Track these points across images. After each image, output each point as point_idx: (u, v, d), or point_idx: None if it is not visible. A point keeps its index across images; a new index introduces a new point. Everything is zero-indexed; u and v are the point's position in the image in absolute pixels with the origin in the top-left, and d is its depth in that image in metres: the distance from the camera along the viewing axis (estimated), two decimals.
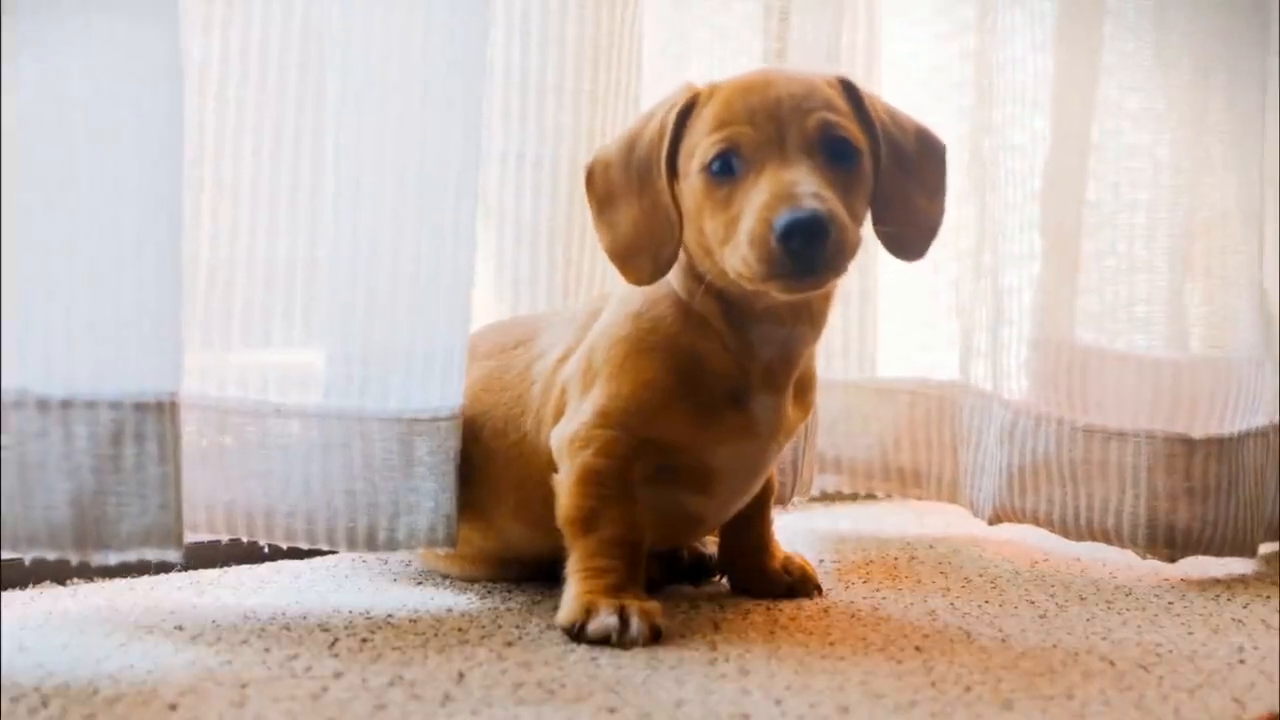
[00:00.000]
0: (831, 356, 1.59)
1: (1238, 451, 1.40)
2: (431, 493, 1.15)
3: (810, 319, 1.12)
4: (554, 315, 1.25)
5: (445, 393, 1.15)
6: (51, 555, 0.98)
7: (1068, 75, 1.44)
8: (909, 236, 1.12)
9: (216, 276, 1.15)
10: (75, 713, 0.85)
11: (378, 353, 1.15)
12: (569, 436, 1.11)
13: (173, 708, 0.86)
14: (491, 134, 1.35)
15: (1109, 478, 1.39)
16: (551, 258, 1.38)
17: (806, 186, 1.00)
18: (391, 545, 1.15)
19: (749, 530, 1.23)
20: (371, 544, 1.15)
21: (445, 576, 1.28)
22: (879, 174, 1.09)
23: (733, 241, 1.02)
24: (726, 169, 1.04)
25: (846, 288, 1.59)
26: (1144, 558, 1.40)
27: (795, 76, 1.08)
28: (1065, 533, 1.42)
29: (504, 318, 1.34)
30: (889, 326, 1.65)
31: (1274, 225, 1.53)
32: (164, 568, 1.24)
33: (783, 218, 0.98)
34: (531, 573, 1.23)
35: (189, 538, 1.20)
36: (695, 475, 1.13)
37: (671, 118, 1.09)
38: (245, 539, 1.16)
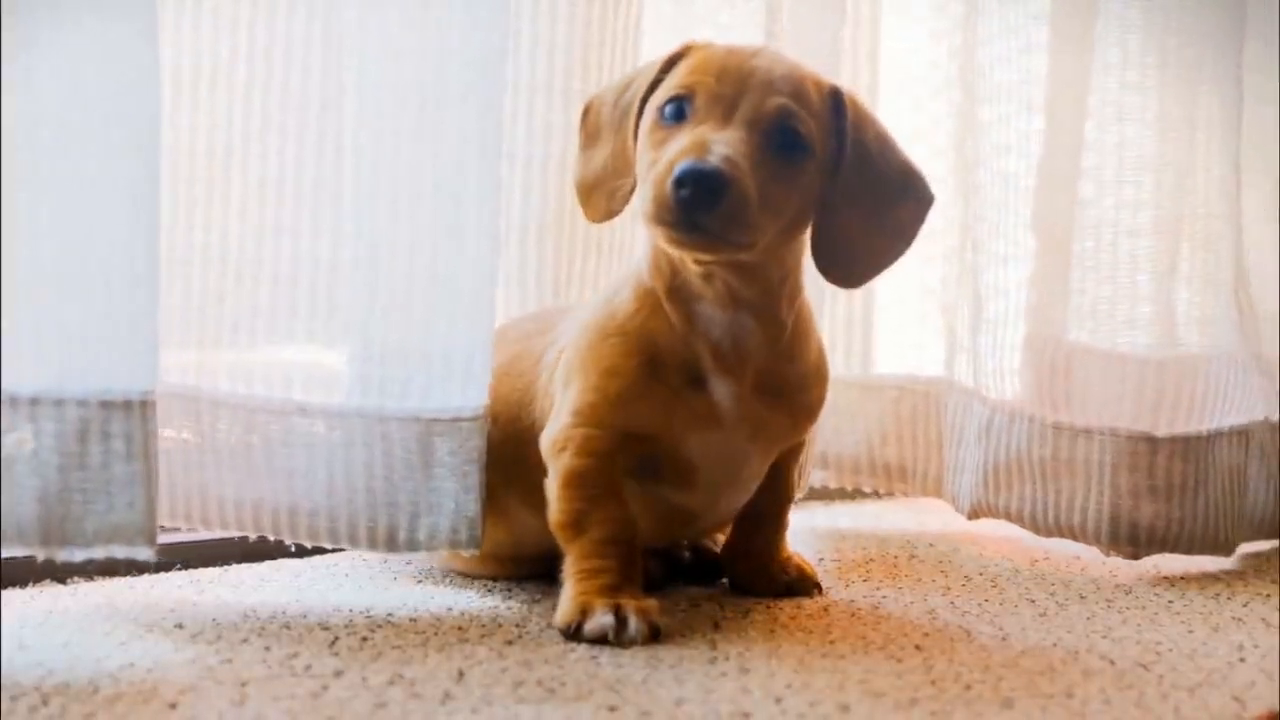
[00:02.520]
0: (832, 352, 1.58)
1: (1207, 450, 1.40)
2: (452, 493, 1.15)
3: (751, 309, 1.10)
4: (576, 306, 1.25)
5: (467, 393, 1.15)
6: (18, 552, 0.98)
7: (1060, 74, 1.44)
8: (847, 261, 1.11)
9: (243, 276, 1.16)
10: (75, 711, 0.85)
11: (398, 353, 1.15)
12: (551, 440, 1.12)
13: (173, 706, 0.87)
14: None
15: (1076, 475, 1.40)
16: (541, 255, 1.38)
17: (721, 148, 1.00)
18: (412, 546, 1.15)
19: (757, 532, 1.23)
20: (392, 544, 1.15)
21: (448, 573, 1.28)
22: (835, 188, 1.08)
23: (646, 181, 1.03)
24: (677, 115, 1.05)
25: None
26: (1107, 555, 1.41)
27: (784, 61, 1.08)
28: (1035, 529, 1.43)
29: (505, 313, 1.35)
30: (884, 323, 1.65)
31: (1255, 221, 1.54)
32: (164, 566, 1.24)
33: (682, 165, 0.99)
34: (540, 569, 1.23)
35: (213, 534, 1.23)
36: (676, 468, 1.12)
37: (659, 64, 1.10)
38: (271, 537, 1.16)
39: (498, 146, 1.17)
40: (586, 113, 1.16)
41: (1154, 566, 1.41)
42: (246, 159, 1.16)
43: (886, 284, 1.63)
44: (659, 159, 1.03)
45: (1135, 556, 1.39)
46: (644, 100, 1.10)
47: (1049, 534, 1.42)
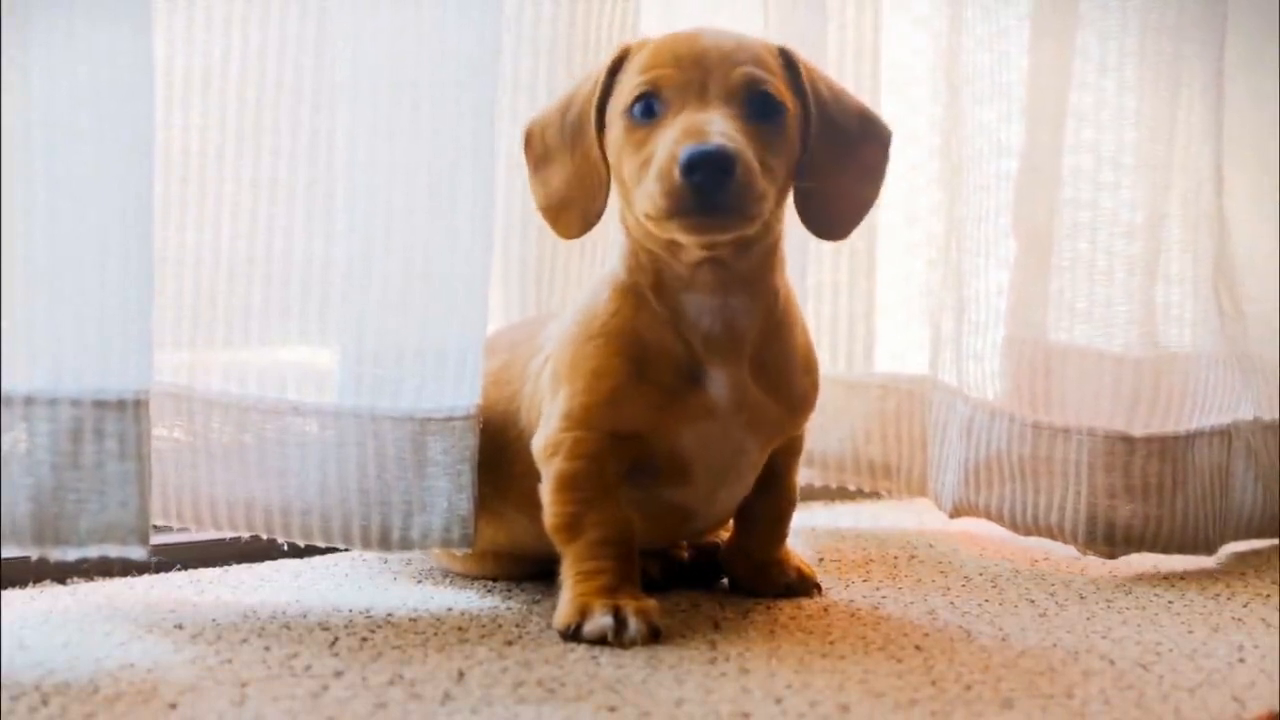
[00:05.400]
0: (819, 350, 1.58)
1: (1185, 450, 1.41)
2: (445, 492, 1.15)
3: (746, 288, 1.11)
4: (559, 313, 1.25)
5: (459, 392, 1.16)
6: (12, 552, 0.98)
7: (1041, 76, 1.45)
8: (829, 213, 1.12)
9: (236, 275, 1.16)
10: (75, 711, 0.85)
11: (391, 352, 1.15)
12: (542, 444, 1.12)
13: (173, 706, 0.87)
14: None
15: (1054, 474, 1.41)
16: (524, 256, 1.38)
17: (717, 126, 1.01)
18: (405, 545, 1.16)
19: (758, 533, 1.23)
20: (385, 543, 1.16)
21: (448, 573, 1.28)
22: (808, 143, 1.10)
23: (644, 181, 1.03)
24: (647, 112, 1.05)
25: (834, 281, 1.59)
26: (1083, 554, 1.41)
27: (728, 33, 1.09)
28: (1014, 528, 1.44)
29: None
30: (875, 323, 1.65)
31: (1245, 220, 1.55)
32: (163, 566, 1.24)
33: (687, 150, 0.99)
34: (539, 569, 1.23)
35: (212, 535, 1.23)
36: (671, 465, 1.12)
37: (603, 72, 1.10)
38: (264, 535, 1.16)
39: (491, 145, 1.17)
40: (529, 139, 1.15)
41: (1153, 566, 1.41)
42: (239, 158, 1.16)
43: (882, 284, 1.63)
44: (651, 156, 1.03)
45: (1112, 556, 1.40)
46: (599, 110, 1.10)
47: (1027, 533, 1.43)
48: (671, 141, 1.01)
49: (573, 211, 1.12)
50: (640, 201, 1.04)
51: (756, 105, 1.05)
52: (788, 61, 1.11)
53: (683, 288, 1.10)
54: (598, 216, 1.11)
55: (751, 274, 1.11)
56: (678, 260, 1.09)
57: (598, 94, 1.10)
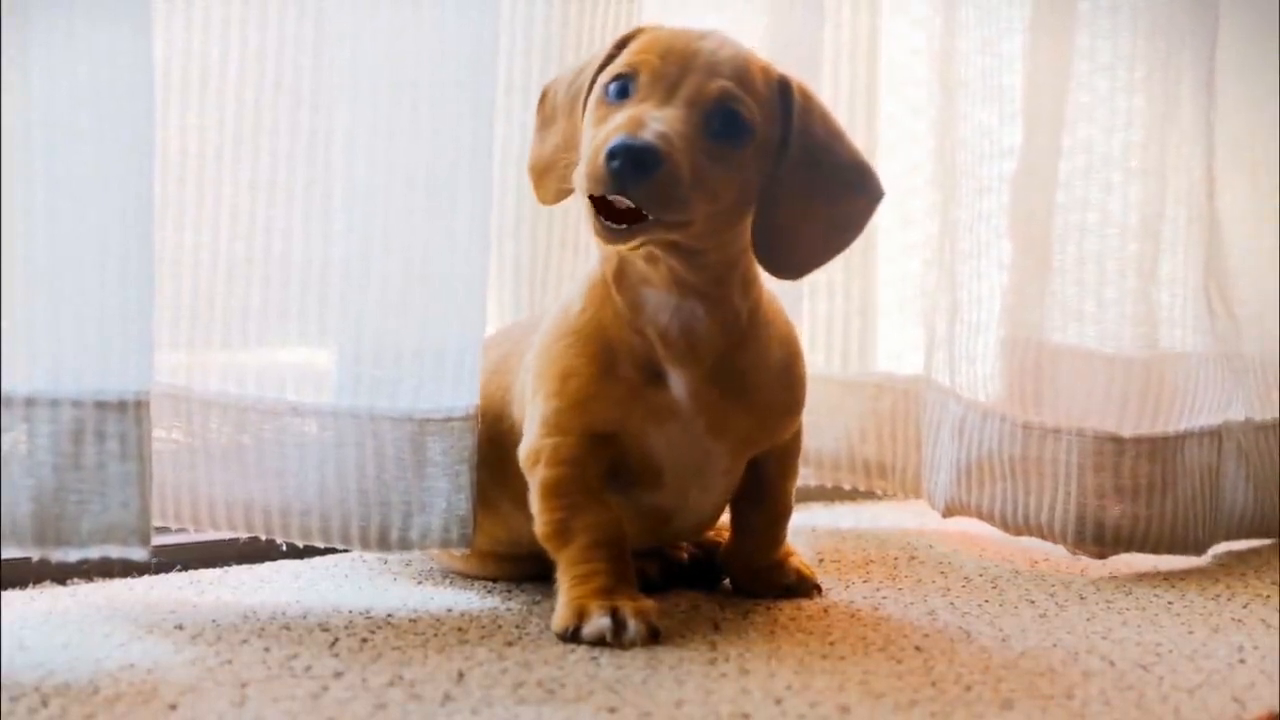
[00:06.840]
0: (813, 350, 1.58)
1: (1175, 451, 1.41)
2: (444, 493, 1.15)
3: (699, 295, 1.09)
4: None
5: (458, 393, 1.16)
6: (13, 553, 0.98)
7: (1037, 79, 1.45)
8: (786, 252, 1.10)
9: (234, 276, 1.16)
10: (75, 712, 0.85)
11: (390, 352, 1.15)
12: (526, 453, 1.12)
13: (173, 707, 0.87)
14: None
15: (1044, 474, 1.41)
16: (517, 254, 1.38)
17: (657, 124, 1.00)
18: (404, 545, 1.16)
19: (756, 536, 1.22)
20: (384, 544, 1.16)
21: (449, 574, 1.28)
22: (778, 176, 1.07)
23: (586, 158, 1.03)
24: (621, 92, 1.05)
25: (830, 280, 1.59)
26: (1074, 554, 1.42)
27: (730, 45, 1.08)
28: (1005, 527, 1.44)
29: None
30: (874, 323, 1.65)
31: (1240, 221, 1.55)
32: (163, 567, 1.24)
33: (616, 139, 0.98)
34: (540, 570, 1.23)
35: (212, 535, 1.23)
36: (643, 467, 1.12)
37: (611, 45, 1.10)
38: (263, 536, 1.16)
39: (490, 145, 1.17)
40: (543, 98, 1.16)
41: (1153, 567, 1.41)
42: (237, 159, 1.16)
43: (881, 284, 1.63)
44: (598, 134, 1.03)
45: (1101, 556, 1.41)
46: (594, 81, 1.09)
47: (1018, 532, 1.44)
48: (612, 126, 1.01)
49: (552, 176, 1.12)
50: (577, 177, 1.03)
51: (721, 120, 1.03)
52: (783, 90, 1.08)
53: (641, 281, 1.10)
54: (573, 185, 1.10)
55: (706, 287, 1.09)
56: (634, 252, 1.08)
57: (598, 66, 1.10)
